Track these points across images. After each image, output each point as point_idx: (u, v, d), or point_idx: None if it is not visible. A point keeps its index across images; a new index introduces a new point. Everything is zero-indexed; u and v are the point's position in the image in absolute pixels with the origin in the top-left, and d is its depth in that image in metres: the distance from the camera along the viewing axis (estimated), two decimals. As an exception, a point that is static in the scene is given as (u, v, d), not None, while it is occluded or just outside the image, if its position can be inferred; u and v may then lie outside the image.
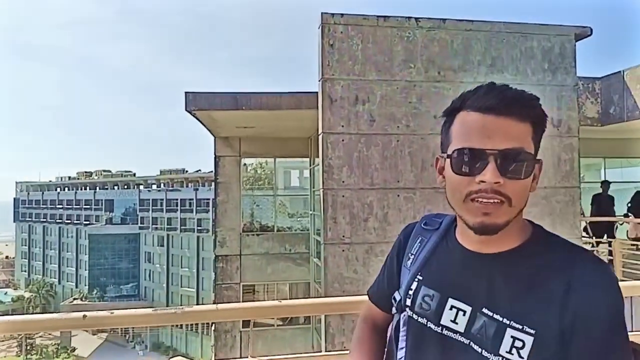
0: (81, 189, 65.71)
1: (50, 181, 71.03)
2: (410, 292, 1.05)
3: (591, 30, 7.07)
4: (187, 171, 60.29)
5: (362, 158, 6.56)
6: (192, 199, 51.34)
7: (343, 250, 6.43)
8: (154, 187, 60.65)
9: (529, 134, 0.93)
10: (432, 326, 1.00)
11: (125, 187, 63.03)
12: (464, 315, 0.96)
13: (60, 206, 64.68)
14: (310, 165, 11.86)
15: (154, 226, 54.89)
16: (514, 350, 0.89)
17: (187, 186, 55.80)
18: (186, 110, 8.09)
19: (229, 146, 11.43)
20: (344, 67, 6.60)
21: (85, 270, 56.72)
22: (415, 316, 1.04)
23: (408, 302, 1.05)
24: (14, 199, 70.33)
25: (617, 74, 8.57)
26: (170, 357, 42.44)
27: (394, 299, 1.11)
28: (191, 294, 49.52)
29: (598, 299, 0.87)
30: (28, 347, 45.12)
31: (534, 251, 0.96)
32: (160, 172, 63.75)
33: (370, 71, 6.61)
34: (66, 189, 67.28)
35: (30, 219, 67.35)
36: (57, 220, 63.83)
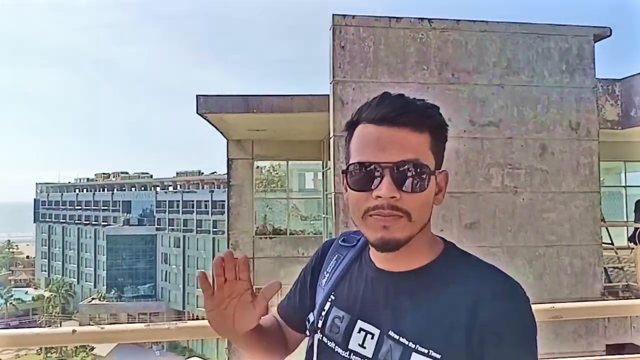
0: (99, 191, 66.84)
1: (69, 182, 72.44)
2: (323, 314, 1.00)
3: (610, 30, 6.87)
4: (202, 173, 60.84)
5: (374, 162, 6.47)
6: (208, 201, 51.75)
7: (354, 255, 6.35)
8: (171, 188, 61.37)
9: (426, 144, 0.88)
10: (340, 351, 0.94)
11: (143, 188, 63.90)
12: (372, 338, 0.91)
13: (79, 207, 65.86)
14: (322, 168, 11.79)
15: (170, 227, 55.51)
16: None
17: (202, 188, 56.31)
18: (197, 113, 8.12)
19: (241, 149, 11.44)
20: (355, 69, 6.52)
21: (104, 270, 57.60)
22: (325, 339, 0.97)
23: (319, 323, 0.99)
24: (34, 200, 71.81)
25: (638, 75, 8.33)
26: (187, 358, 42.85)
27: (308, 320, 1.04)
28: (207, 295, 49.87)
29: (506, 315, 0.84)
30: (48, 347, 45.89)
31: (442, 270, 0.92)
32: (177, 174, 64.47)
33: (382, 73, 6.52)
34: (85, 190, 68.51)
35: (50, 220, 68.71)
36: (76, 221, 64.98)
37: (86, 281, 61.43)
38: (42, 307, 54.35)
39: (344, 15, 6.62)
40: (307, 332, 1.03)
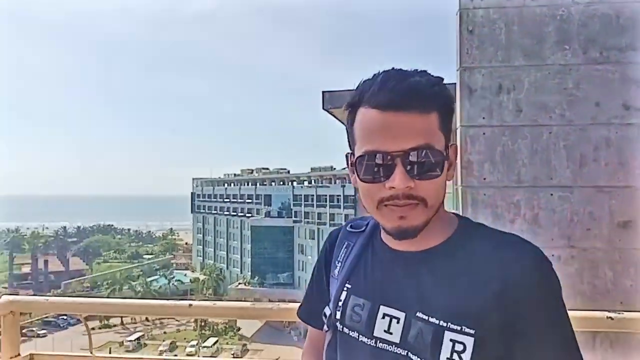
0: (244, 185, 72.84)
1: (219, 178, 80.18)
2: (340, 304, 0.95)
3: None
4: (334, 168, 62.61)
5: (507, 152, 5.98)
6: (340, 195, 53.14)
7: (484, 253, 6.00)
8: (306, 183, 64.35)
9: (435, 125, 0.84)
10: (365, 340, 0.90)
11: (281, 183, 68.08)
12: (397, 322, 0.87)
13: (228, 200, 72.60)
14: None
15: (305, 220, 58.26)
16: (455, 356, 0.81)
17: (335, 183, 57.95)
18: (323, 109, 8.34)
19: (369, 143, 11.51)
20: (484, 54, 6.09)
21: (248, 258, 62.76)
22: (346, 330, 0.93)
23: (338, 314, 0.95)
24: (191, 193, 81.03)
25: None
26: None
27: (325, 315, 1.00)
28: (340, 287, 51.50)
29: (536, 283, 0.83)
30: (202, 324, 51.62)
31: (462, 244, 0.89)
32: (311, 169, 67.31)
33: (515, 56, 5.98)
34: (232, 184, 75.24)
35: (204, 211, 76.95)
36: (225, 213, 71.80)
37: (234, 267, 67.66)
38: (197, 288, 61.24)
39: (473, -1, 6.26)
40: (325, 327, 0.99)
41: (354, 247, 1.00)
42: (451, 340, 0.82)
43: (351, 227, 1.06)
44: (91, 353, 1.87)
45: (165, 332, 51.33)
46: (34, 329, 47.75)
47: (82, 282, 62.50)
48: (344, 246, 1.03)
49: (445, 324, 0.83)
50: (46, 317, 48.06)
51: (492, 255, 0.85)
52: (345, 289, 0.96)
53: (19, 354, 1.87)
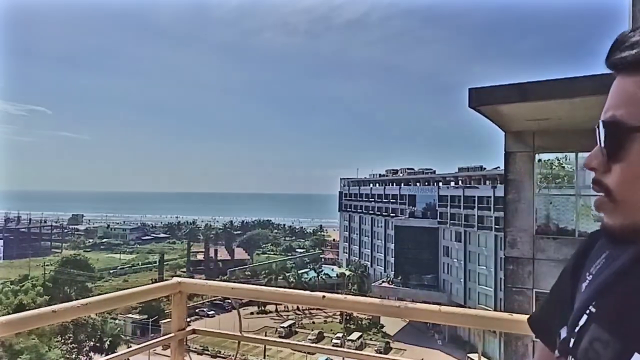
0: (389, 185, 73.07)
1: (365, 178, 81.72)
2: (576, 330, 0.72)
3: None
4: (484, 168, 59.10)
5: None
6: (490, 197, 49.96)
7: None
8: (452, 184, 61.98)
9: None
10: None
11: (426, 183, 66.64)
12: None
13: (372, 199, 73.63)
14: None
15: (451, 222, 56.15)
16: None
17: (484, 183, 54.71)
18: (469, 106, 8.01)
19: (520, 141, 10.66)
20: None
21: (392, 257, 62.85)
22: None
23: (571, 342, 0.73)
24: (339, 192, 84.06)
25: None
26: (468, 353, 42.72)
27: (559, 336, 0.78)
28: (489, 293, 48.52)
29: None
30: (347, 317, 53.33)
31: None
32: (459, 169, 64.56)
33: None
34: (377, 184, 76.08)
35: (350, 210, 79.24)
36: (370, 212, 72.96)
37: (377, 265, 68.43)
38: (343, 283, 63.45)
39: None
40: (557, 352, 0.78)
41: (616, 260, 0.74)
42: None
43: None
44: (240, 333, 2.14)
45: (313, 322, 54.29)
46: (204, 309, 54.87)
47: (245, 271, 69.42)
48: (604, 255, 0.78)
49: None
50: (215, 299, 54.88)
51: None
52: (587, 312, 0.72)
53: (184, 328, 2.23)
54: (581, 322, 0.72)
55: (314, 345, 2.22)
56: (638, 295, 0.68)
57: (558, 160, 12.68)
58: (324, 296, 1.85)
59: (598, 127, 0.67)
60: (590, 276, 0.77)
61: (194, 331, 2.30)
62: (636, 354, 0.64)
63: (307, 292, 1.91)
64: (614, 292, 0.71)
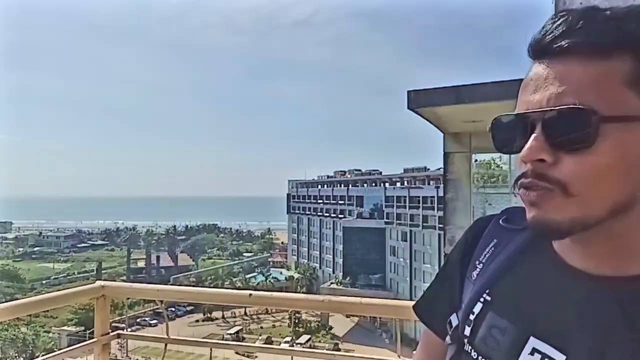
0: (337, 186, 73.82)
1: (313, 179, 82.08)
2: (472, 318, 0.73)
3: None
4: (428, 169, 61.09)
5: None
6: (434, 197, 51.71)
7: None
8: (398, 184, 63.59)
9: (614, 76, 0.59)
10: None
11: (373, 184, 67.93)
12: None
13: (321, 201, 74.07)
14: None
15: (397, 222, 57.59)
16: None
17: (428, 184, 56.57)
18: (408, 108, 8.24)
19: (458, 142, 11.10)
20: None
21: (340, 258, 63.49)
22: (474, 354, 0.71)
23: (467, 330, 0.73)
24: (287, 194, 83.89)
25: None
26: (414, 350, 43.94)
27: (450, 323, 0.79)
28: (433, 291, 50.17)
29: None
30: (296, 321, 53.25)
31: None
32: (404, 170, 66.35)
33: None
34: (325, 186, 76.64)
35: (298, 212, 79.29)
36: (318, 213, 73.35)
37: (326, 267, 68.88)
38: (292, 286, 63.30)
39: (568, -16, 5.80)
40: (448, 339, 0.79)
41: (505, 248, 0.76)
42: None
43: (505, 221, 0.80)
44: (167, 335, 2.07)
45: (261, 327, 53.76)
46: (146, 319, 52.90)
47: (189, 277, 67.60)
48: (491, 244, 0.78)
49: None
50: (157, 308, 53.08)
51: None
52: (482, 300, 0.74)
53: (108, 333, 2.13)
54: (476, 310, 0.73)
55: (241, 344, 2.19)
56: (528, 281, 0.71)
57: (494, 160, 13.35)
58: (250, 294, 1.83)
59: (532, 117, 0.61)
60: (481, 265, 0.78)
61: (118, 335, 2.20)
62: (531, 337, 0.66)
63: (235, 291, 1.88)
64: (506, 279, 0.73)
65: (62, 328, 45.34)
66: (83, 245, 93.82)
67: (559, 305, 0.66)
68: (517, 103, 0.65)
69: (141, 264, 73.17)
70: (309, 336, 48.56)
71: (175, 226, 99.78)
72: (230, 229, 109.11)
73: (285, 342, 45.41)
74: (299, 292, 60.30)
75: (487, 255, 0.78)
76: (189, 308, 55.02)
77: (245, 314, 56.11)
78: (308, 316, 54.75)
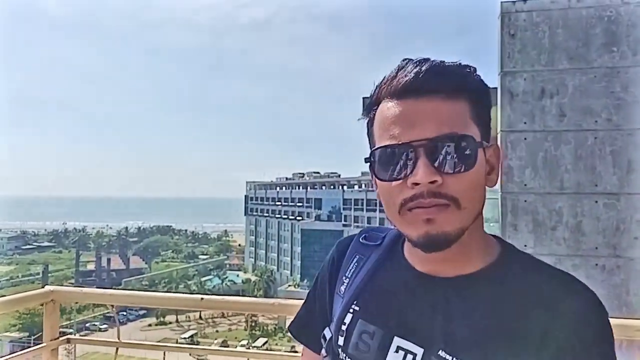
0: (296, 188, 73.86)
1: (271, 181, 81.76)
2: (344, 328, 0.82)
3: None
4: (386, 173, 62.21)
5: (550, 158, 5.79)
6: (390, 200, 52.82)
7: (524, 261, 5.83)
8: (356, 187, 64.37)
9: (465, 113, 0.72)
10: None
11: (332, 187, 68.47)
12: (414, 359, 0.74)
13: (279, 203, 73.88)
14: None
15: (355, 224, 58.27)
16: None
17: (385, 187, 57.66)
18: (362, 114, 8.44)
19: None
20: (527, 58, 5.93)
21: (298, 260, 63.52)
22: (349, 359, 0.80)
23: (340, 340, 0.82)
24: (245, 196, 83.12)
25: None
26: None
27: (324, 337, 0.87)
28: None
29: (590, 337, 0.69)
30: (252, 324, 52.74)
31: (503, 274, 0.75)
32: (362, 173, 67.19)
33: (559, 60, 5.79)
34: (284, 188, 76.51)
35: (256, 213, 78.72)
36: (277, 215, 73.11)
37: (284, 269, 68.68)
38: (248, 289, 62.65)
39: (514, 1, 6.12)
40: (324, 352, 0.87)
41: (367, 262, 0.87)
42: None
43: (365, 238, 0.91)
44: (118, 339, 2.07)
45: (217, 331, 52.89)
46: (96, 323, 50.92)
47: (141, 280, 65.59)
48: (355, 260, 0.89)
49: None
50: (108, 313, 51.16)
51: (539, 292, 0.72)
52: (351, 310, 0.83)
53: (57, 338, 2.11)
54: (347, 321, 0.82)
55: (187, 346, 2.22)
56: (388, 287, 0.82)
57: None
58: (202, 298, 1.87)
59: (417, 146, 0.70)
60: (347, 279, 0.88)
61: (68, 340, 2.18)
62: (395, 337, 0.77)
63: (186, 295, 1.92)
64: (370, 288, 0.84)
65: (4, 334, 42.94)
66: (28, 247, 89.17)
67: (412, 304, 0.78)
68: (387, 137, 0.72)
69: (91, 266, 70.44)
70: (265, 339, 48.23)
71: (127, 228, 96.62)
72: (186, 230, 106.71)
73: (242, 345, 44.92)
74: (256, 295, 59.97)
75: (352, 270, 0.88)
76: (141, 312, 53.34)
77: (200, 317, 55.02)
78: (265, 319, 54.38)
